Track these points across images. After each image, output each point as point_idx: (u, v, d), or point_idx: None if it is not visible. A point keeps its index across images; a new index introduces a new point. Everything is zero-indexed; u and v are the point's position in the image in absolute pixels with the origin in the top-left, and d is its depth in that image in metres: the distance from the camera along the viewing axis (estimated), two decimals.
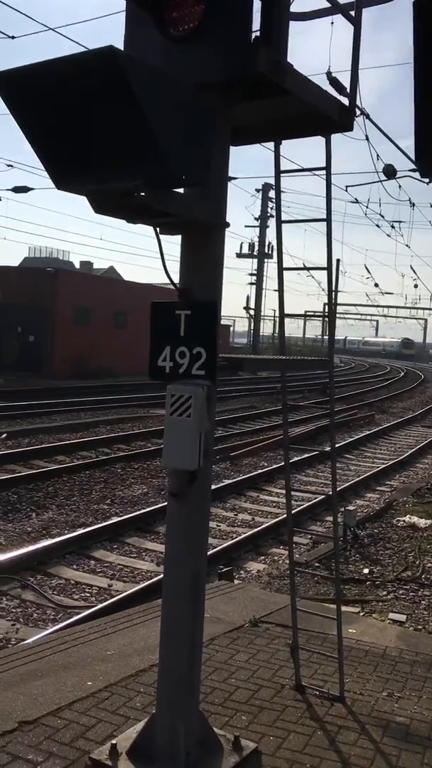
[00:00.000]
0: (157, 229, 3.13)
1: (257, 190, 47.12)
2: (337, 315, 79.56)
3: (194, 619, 3.17)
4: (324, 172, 3.96)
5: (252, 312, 53.24)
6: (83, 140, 2.61)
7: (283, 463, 13.72)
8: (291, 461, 14.46)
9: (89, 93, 2.47)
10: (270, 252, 48.86)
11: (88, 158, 2.64)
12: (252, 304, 53.18)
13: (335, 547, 4.38)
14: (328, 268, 4.02)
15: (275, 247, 4.53)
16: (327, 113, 3.37)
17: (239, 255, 46.11)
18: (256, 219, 48.70)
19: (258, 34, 2.92)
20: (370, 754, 3.75)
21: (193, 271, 3.20)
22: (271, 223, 43.34)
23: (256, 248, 48.79)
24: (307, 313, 59.34)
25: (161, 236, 3.17)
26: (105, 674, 4.45)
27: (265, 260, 49.69)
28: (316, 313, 62.67)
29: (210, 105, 2.82)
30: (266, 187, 44.91)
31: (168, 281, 3.21)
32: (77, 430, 17.62)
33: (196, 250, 3.19)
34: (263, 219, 48.20)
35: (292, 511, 10.55)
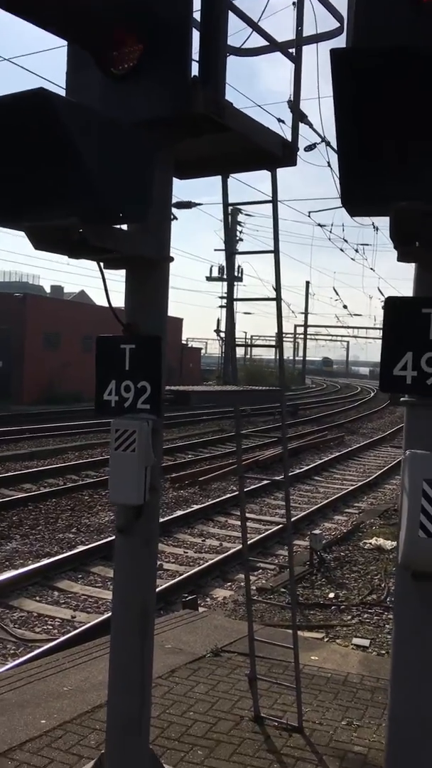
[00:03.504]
0: (101, 264, 3.14)
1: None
2: (309, 336, 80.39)
3: (143, 656, 3.13)
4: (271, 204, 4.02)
5: (222, 335, 53.40)
6: (20, 178, 2.62)
7: (250, 488, 13.81)
8: (261, 485, 14.44)
9: (24, 133, 2.48)
10: (240, 275, 49.23)
11: (25, 195, 2.65)
12: (222, 327, 53.35)
13: (291, 577, 4.36)
14: (277, 299, 4.06)
15: (230, 272, 4.57)
16: (269, 149, 3.43)
17: (209, 278, 46.33)
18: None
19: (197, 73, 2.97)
20: None
21: (138, 305, 3.21)
22: (240, 246, 43.68)
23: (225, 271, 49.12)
24: (257, 343, 60.63)
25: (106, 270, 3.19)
26: (60, 711, 4.37)
27: (235, 283, 50.07)
28: (268, 342, 63.52)
29: (150, 143, 2.85)
30: (234, 212, 45.34)
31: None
32: (44, 457, 17.45)
33: (140, 285, 3.20)
34: (232, 243, 48.55)
35: (260, 536, 10.62)
